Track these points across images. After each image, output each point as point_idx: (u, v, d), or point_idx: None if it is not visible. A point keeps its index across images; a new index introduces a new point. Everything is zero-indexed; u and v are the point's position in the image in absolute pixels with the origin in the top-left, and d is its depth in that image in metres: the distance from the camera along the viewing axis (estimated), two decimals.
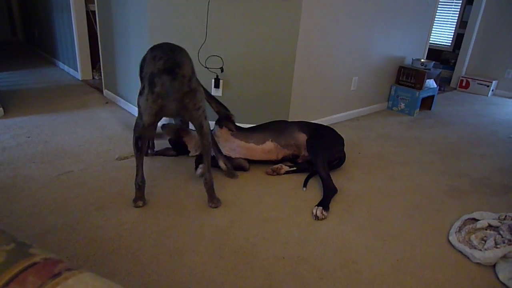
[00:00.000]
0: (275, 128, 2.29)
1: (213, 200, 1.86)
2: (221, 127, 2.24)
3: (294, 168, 2.09)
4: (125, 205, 1.82)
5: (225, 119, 2.26)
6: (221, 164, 2.10)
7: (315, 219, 1.81)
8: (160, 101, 1.55)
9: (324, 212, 1.82)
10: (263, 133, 2.25)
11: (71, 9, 3.84)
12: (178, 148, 2.32)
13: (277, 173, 2.00)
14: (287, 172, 2.06)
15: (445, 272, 1.53)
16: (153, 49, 1.65)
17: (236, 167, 2.17)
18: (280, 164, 2.03)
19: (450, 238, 1.73)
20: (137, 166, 1.76)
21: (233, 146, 2.22)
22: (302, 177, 2.19)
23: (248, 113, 2.80)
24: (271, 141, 2.22)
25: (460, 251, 1.65)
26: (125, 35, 2.96)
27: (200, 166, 2.10)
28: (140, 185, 1.80)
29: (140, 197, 1.83)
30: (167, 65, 1.51)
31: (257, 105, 2.82)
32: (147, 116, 1.61)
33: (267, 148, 2.19)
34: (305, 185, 2.09)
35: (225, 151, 2.20)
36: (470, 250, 1.61)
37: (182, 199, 1.91)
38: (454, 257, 1.62)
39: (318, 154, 2.13)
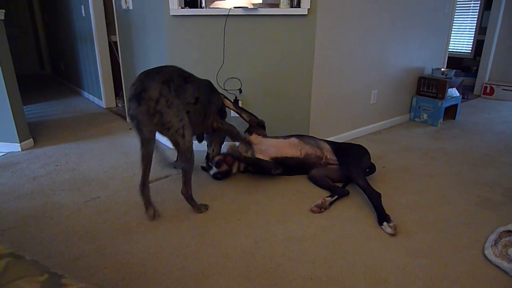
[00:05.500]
0: (298, 134, 2.60)
1: (193, 208, 2.01)
2: (251, 134, 2.51)
3: (336, 196, 2.11)
4: (150, 229, 1.84)
5: (257, 125, 2.55)
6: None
7: (392, 235, 1.79)
8: (135, 122, 1.75)
9: (392, 225, 1.82)
10: (288, 136, 2.56)
11: (94, 41, 4.03)
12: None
13: (324, 208, 2.00)
14: (331, 204, 2.06)
15: None
16: (138, 75, 1.81)
17: (264, 168, 2.33)
18: (322, 199, 2.03)
19: (486, 252, 1.65)
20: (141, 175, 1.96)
21: (263, 147, 2.43)
22: (325, 194, 2.17)
23: (268, 132, 2.81)
24: (295, 137, 2.51)
25: (497, 266, 1.57)
26: (145, 63, 3.07)
27: (211, 170, 2.40)
28: (141, 191, 1.95)
29: (146, 205, 1.95)
30: (136, 91, 1.71)
31: (276, 123, 2.83)
32: (137, 133, 1.84)
33: (293, 142, 2.46)
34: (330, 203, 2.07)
35: (256, 153, 2.41)
36: (509, 264, 1.53)
37: (206, 221, 1.92)
38: (492, 273, 1.54)
39: (351, 165, 2.24)
